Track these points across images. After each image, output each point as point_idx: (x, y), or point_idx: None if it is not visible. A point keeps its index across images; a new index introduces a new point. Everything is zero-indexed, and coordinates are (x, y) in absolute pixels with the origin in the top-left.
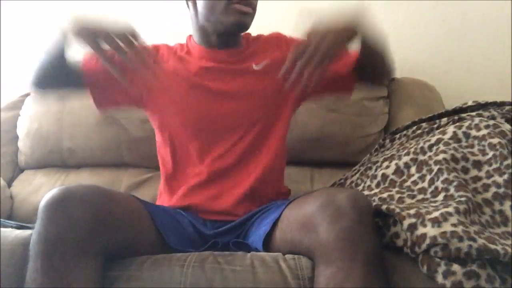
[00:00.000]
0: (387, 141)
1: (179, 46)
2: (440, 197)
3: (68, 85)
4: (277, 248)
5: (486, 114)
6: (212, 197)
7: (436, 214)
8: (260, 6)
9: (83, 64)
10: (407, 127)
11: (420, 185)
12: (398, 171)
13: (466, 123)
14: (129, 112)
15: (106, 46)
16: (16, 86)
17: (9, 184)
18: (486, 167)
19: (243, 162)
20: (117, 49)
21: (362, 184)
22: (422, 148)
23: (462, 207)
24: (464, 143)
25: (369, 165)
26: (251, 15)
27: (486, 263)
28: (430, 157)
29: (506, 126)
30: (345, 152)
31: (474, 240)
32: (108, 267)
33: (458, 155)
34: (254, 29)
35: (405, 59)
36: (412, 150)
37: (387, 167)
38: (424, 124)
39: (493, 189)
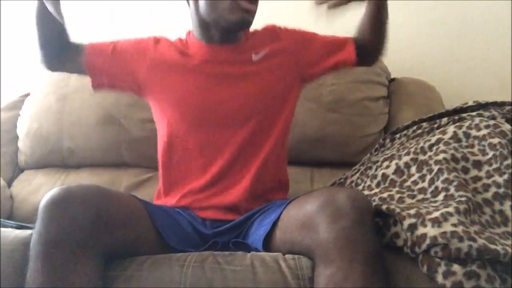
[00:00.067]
0: (387, 140)
1: (179, 41)
2: (440, 197)
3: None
4: (277, 247)
5: (487, 114)
6: (215, 191)
7: (436, 214)
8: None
9: (87, 50)
10: (408, 127)
11: (420, 185)
12: (398, 171)
13: (467, 123)
14: (129, 112)
15: None
16: (16, 86)
17: (9, 184)
18: (486, 167)
19: (244, 154)
20: None
21: (362, 184)
22: (422, 148)
23: (462, 207)
24: (464, 143)
25: (369, 164)
26: (254, 12)
27: (486, 263)
28: (430, 157)
29: (506, 126)
30: (345, 152)
31: (474, 240)
32: (108, 267)
33: (458, 155)
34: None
35: (405, 59)
36: (413, 150)
37: (387, 166)
38: (424, 124)
39: (493, 189)
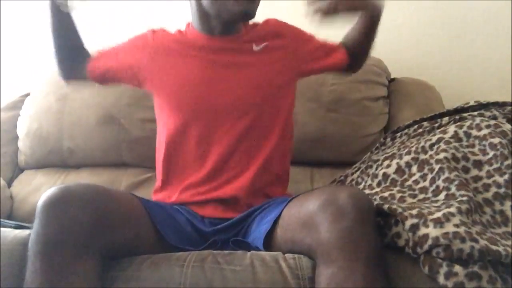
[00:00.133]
0: (388, 139)
1: (178, 32)
2: (442, 196)
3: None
4: (278, 246)
5: (488, 114)
6: (215, 185)
7: (438, 214)
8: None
9: (90, 64)
10: (409, 126)
11: (421, 184)
12: (399, 170)
13: (467, 123)
14: (129, 112)
15: None
16: (16, 86)
17: (9, 184)
18: (486, 167)
19: (244, 147)
20: None
21: (363, 183)
22: (423, 147)
23: (464, 206)
24: (465, 143)
25: (369, 163)
26: (258, 4)
27: (488, 264)
28: (431, 156)
29: (507, 126)
30: (345, 152)
31: (476, 241)
32: (107, 267)
33: (459, 155)
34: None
35: (405, 59)
36: (413, 149)
37: (388, 166)
38: (425, 123)
39: (493, 189)
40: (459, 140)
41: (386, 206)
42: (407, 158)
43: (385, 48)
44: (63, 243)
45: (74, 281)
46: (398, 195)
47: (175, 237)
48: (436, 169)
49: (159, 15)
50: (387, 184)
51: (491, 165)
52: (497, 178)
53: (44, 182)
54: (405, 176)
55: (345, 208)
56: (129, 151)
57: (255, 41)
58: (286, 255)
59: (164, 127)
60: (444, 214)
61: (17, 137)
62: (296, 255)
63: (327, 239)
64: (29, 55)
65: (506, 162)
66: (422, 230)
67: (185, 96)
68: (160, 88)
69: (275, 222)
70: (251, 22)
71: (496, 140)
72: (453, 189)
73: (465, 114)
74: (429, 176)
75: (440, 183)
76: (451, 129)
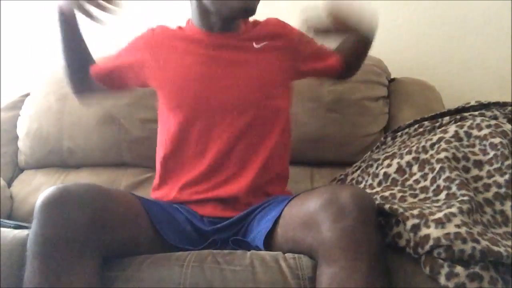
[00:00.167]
0: (389, 138)
1: (178, 28)
2: (442, 195)
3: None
4: (279, 245)
5: (489, 114)
6: (214, 184)
7: (439, 215)
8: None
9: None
10: (409, 126)
11: (422, 184)
12: (400, 170)
13: (468, 123)
14: (129, 112)
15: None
16: (16, 86)
17: (9, 184)
18: (487, 167)
19: (244, 145)
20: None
21: (363, 182)
22: (424, 146)
23: (465, 206)
24: (465, 142)
25: (370, 162)
26: (258, 1)
27: (489, 265)
28: (432, 155)
29: (507, 126)
30: (345, 152)
31: (478, 242)
32: (107, 267)
33: (459, 155)
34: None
35: (405, 59)
36: (414, 148)
37: (389, 165)
38: (426, 123)
39: (494, 189)
40: (460, 139)
41: (387, 206)
42: (408, 157)
43: (385, 48)
44: (61, 243)
45: (72, 281)
46: (399, 195)
47: (175, 237)
48: (437, 169)
49: (159, 14)
50: (388, 183)
51: (491, 165)
52: (498, 178)
53: (44, 182)
54: (406, 176)
55: (347, 208)
56: (129, 151)
57: (255, 40)
58: (286, 254)
59: (164, 124)
60: (445, 215)
61: (17, 137)
62: (296, 255)
63: (329, 239)
64: (29, 55)
65: (507, 162)
66: (424, 231)
67: (185, 91)
68: (161, 83)
69: (276, 221)
70: (251, 19)
71: (496, 140)
72: (454, 188)
73: (466, 114)
74: (430, 176)
75: (441, 182)
76: (452, 128)
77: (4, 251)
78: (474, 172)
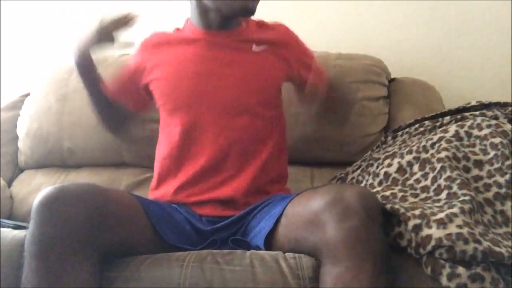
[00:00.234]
0: (389, 138)
1: (176, 30)
2: (443, 195)
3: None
4: (280, 244)
5: (489, 114)
6: (212, 185)
7: (441, 215)
8: None
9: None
10: (410, 125)
11: (423, 183)
12: (400, 169)
13: (468, 122)
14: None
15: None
16: (16, 86)
17: (9, 184)
18: (487, 167)
19: (241, 146)
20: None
21: (364, 181)
22: (424, 146)
23: (467, 206)
24: (466, 142)
25: (370, 161)
26: (258, 0)
27: (491, 265)
28: (432, 155)
29: (508, 126)
30: (345, 152)
31: (479, 242)
32: (106, 268)
33: (460, 154)
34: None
35: (405, 59)
36: (415, 148)
37: (390, 165)
38: (426, 122)
39: (494, 189)
40: (460, 139)
41: (388, 206)
42: (408, 157)
43: (385, 48)
44: (59, 243)
45: (70, 281)
46: (399, 194)
47: (174, 236)
48: (438, 168)
49: (158, 15)
50: (389, 183)
51: (492, 165)
52: (498, 178)
53: (44, 182)
54: (407, 175)
55: (353, 207)
56: (129, 151)
57: (256, 42)
58: (286, 254)
59: (164, 124)
60: (447, 215)
61: (17, 137)
62: (296, 255)
63: (334, 239)
64: (29, 55)
65: (507, 162)
66: (425, 231)
67: (178, 89)
68: (156, 82)
69: (277, 220)
70: (255, 19)
71: (497, 140)
72: (455, 188)
73: (466, 114)
74: (431, 175)
75: (441, 182)
76: (452, 128)
77: (3, 251)
78: (475, 172)
